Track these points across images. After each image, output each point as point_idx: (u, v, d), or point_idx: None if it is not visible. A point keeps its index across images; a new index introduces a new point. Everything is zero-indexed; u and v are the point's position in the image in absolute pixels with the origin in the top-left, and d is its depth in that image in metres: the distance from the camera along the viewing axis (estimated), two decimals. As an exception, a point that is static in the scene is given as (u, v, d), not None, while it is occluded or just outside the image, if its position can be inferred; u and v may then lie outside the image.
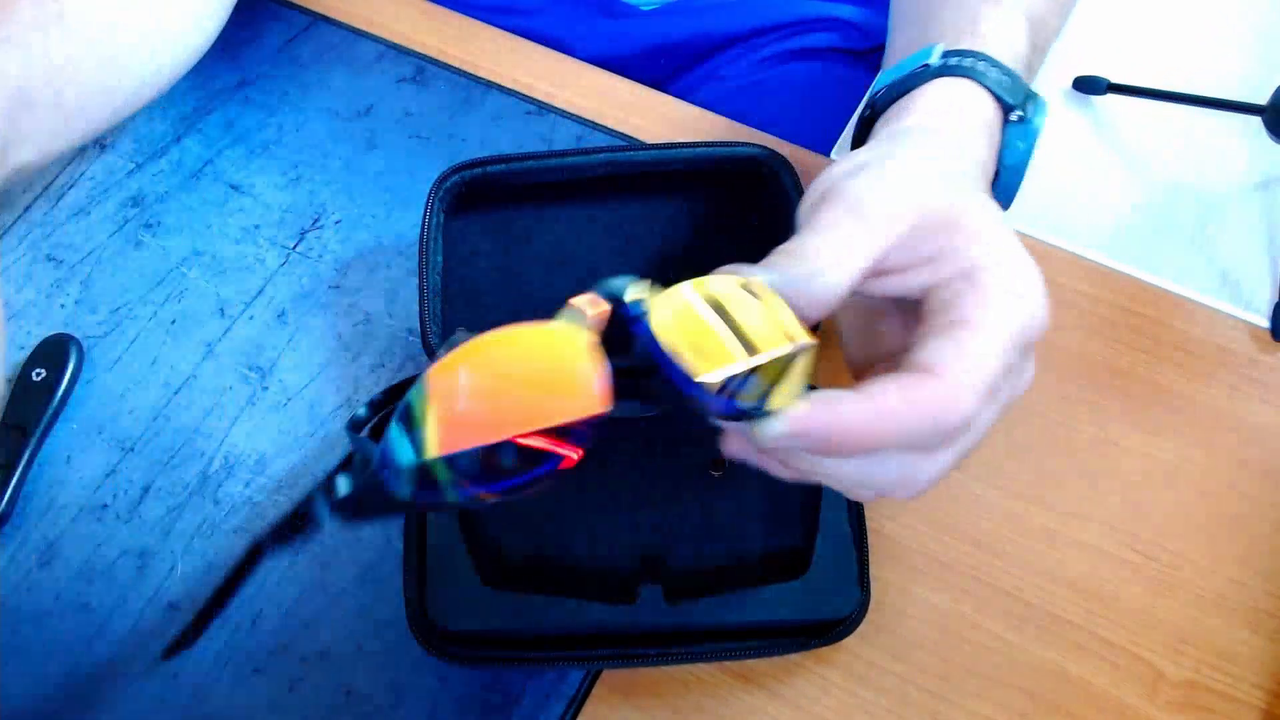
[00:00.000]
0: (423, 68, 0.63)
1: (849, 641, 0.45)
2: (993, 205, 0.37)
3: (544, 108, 0.61)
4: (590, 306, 0.32)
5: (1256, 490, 0.50)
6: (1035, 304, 0.35)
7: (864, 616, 0.45)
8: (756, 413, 0.32)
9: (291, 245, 0.57)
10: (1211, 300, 0.55)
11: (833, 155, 0.61)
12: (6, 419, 0.51)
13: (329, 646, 0.47)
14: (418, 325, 0.49)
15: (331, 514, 0.34)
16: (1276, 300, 0.54)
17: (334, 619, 0.47)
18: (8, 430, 0.51)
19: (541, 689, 0.45)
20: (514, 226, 0.53)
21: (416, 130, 0.61)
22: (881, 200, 0.36)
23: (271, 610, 0.47)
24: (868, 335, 0.40)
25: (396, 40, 0.64)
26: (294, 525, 0.35)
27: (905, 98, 0.44)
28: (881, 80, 0.46)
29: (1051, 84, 0.64)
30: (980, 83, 0.43)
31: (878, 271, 0.36)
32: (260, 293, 0.56)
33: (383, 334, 0.54)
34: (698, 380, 0.30)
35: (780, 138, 0.57)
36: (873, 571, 0.46)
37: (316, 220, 0.58)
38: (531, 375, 0.32)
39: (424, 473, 0.31)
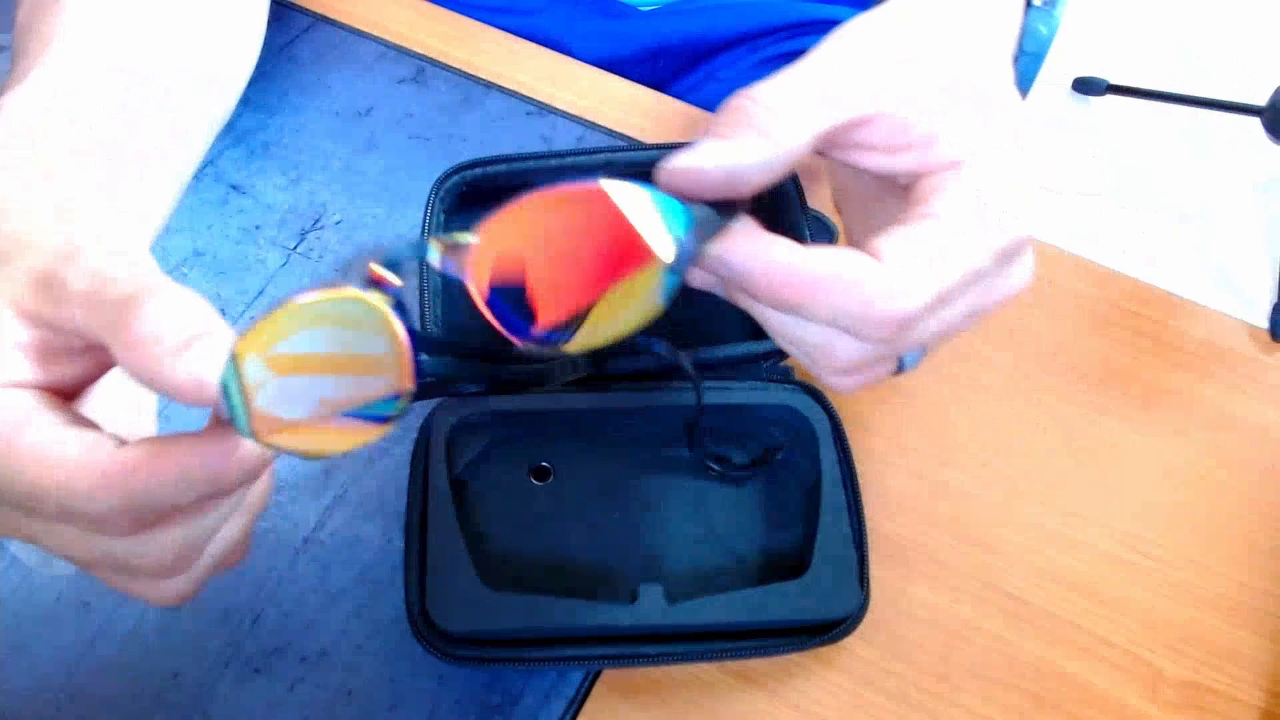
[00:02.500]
0: (423, 68, 0.63)
1: (849, 641, 0.45)
2: (1011, 88, 0.33)
3: (544, 108, 0.61)
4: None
5: (1256, 490, 0.50)
6: (1018, 203, 0.31)
7: (864, 616, 0.45)
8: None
9: (292, 246, 0.57)
10: (1211, 300, 0.55)
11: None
12: (7, 419, 0.51)
13: (329, 646, 0.47)
14: (418, 325, 0.49)
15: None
16: (1276, 300, 0.54)
17: (334, 619, 0.47)
18: (8, 430, 0.51)
19: (541, 689, 0.45)
20: (514, 227, 0.53)
21: (416, 130, 0.61)
22: (867, 59, 0.32)
23: (271, 610, 0.47)
24: (865, 221, 0.37)
25: (396, 40, 0.64)
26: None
27: None
28: None
29: (1052, 84, 0.64)
30: None
31: (857, 145, 0.33)
32: (261, 293, 0.56)
33: (383, 334, 0.54)
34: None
35: (780, 138, 0.57)
36: (873, 571, 0.46)
37: (317, 221, 0.58)
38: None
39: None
